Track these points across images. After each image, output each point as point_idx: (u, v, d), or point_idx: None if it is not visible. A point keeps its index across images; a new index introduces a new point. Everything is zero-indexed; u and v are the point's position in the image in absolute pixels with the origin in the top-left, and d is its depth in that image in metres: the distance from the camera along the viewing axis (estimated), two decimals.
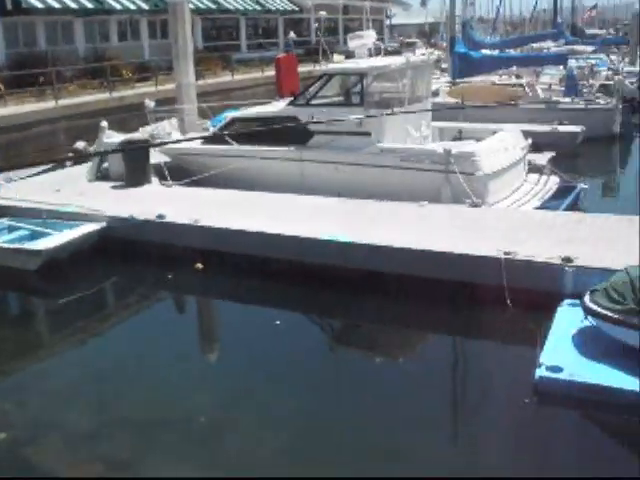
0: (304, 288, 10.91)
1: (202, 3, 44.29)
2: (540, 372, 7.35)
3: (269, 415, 7.62)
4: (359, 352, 9.69)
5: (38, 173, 18.20)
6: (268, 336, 9.75)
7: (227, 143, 15.42)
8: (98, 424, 7.72)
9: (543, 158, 15.49)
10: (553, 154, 15.87)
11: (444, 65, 30.93)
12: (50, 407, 8.20)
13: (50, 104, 27.74)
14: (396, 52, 27.20)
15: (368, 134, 13.81)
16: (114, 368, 9.09)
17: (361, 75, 14.07)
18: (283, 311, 10.85)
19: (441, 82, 26.94)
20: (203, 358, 9.70)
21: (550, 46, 34.22)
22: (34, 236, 13.14)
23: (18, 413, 8.14)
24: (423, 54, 16.95)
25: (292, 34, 47.33)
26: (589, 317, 7.82)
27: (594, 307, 7.66)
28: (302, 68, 28.83)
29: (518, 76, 26.68)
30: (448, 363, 8.88)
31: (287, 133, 14.74)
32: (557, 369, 7.33)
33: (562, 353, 7.65)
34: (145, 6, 39.62)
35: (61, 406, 8.19)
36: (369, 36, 15.60)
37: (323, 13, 37.75)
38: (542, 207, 13.06)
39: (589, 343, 7.80)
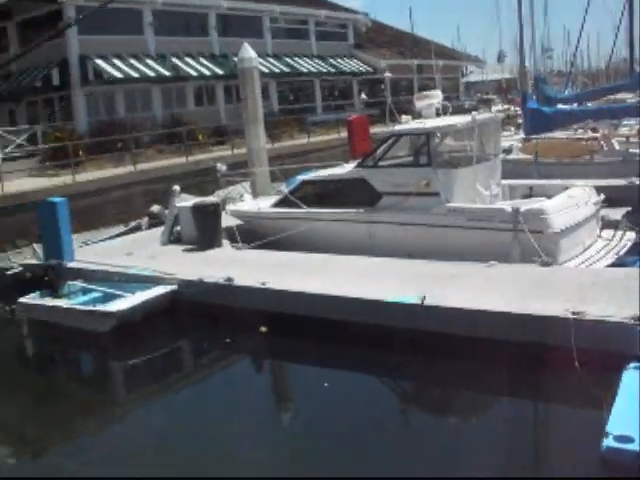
0: (371, 350, 10.82)
1: (276, 67, 45.18)
2: (608, 442, 6.91)
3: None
4: (426, 414, 9.60)
5: (113, 236, 18.69)
6: (335, 399, 9.71)
7: (298, 206, 15.54)
8: None
9: (618, 213, 15.13)
10: (629, 209, 15.49)
11: (520, 121, 30.68)
12: (112, 469, 8.26)
13: (128, 169, 28.44)
14: (473, 109, 27.13)
15: (437, 194, 13.73)
16: (179, 430, 9.16)
17: (427, 135, 14.06)
18: (349, 373, 10.83)
19: (515, 138, 26.73)
20: (269, 421, 9.61)
21: (627, 97, 33.54)
22: (107, 298, 13.44)
23: (81, 472, 8.21)
24: (499, 110, 16.85)
25: (363, 95, 47.70)
26: None
27: None
28: (376, 129, 28.94)
29: (594, 129, 26.23)
30: (513, 427, 8.59)
31: (356, 195, 14.78)
32: (627, 439, 6.89)
33: (631, 421, 7.26)
34: (220, 71, 40.54)
35: (123, 467, 8.25)
36: (435, 95, 15.60)
37: (388, 74, 38.03)
38: (616, 264, 12.71)
39: None
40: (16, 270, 16.51)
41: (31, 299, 14.26)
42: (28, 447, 9.44)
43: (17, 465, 8.86)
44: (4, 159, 27.44)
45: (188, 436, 8.88)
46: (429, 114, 15.32)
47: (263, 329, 11.89)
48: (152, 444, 8.83)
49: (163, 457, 8.38)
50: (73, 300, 13.90)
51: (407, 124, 15.49)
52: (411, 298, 10.77)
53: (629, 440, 6.88)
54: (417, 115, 16.30)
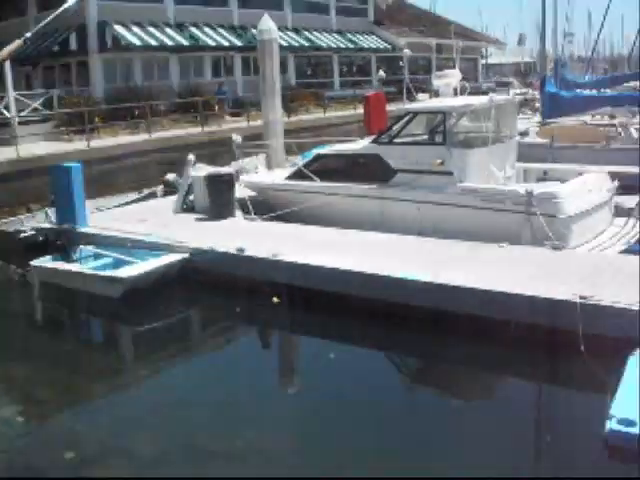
0: (379, 326, 10.88)
1: (295, 41, 44.89)
2: (611, 425, 6.97)
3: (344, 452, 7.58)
4: (432, 392, 9.65)
5: (127, 203, 18.79)
6: (342, 373, 9.84)
7: (312, 179, 15.57)
8: (162, 451, 7.84)
9: (632, 201, 15.07)
10: None
11: (538, 104, 30.52)
12: (119, 432, 8.38)
13: (143, 137, 28.43)
14: (491, 91, 27.00)
15: (450, 173, 13.72)
16: (186, 397, 9.23)
17: (444, 114, 14.01)
18: (356, 348, 10.93)
19: (532, 122, 26.62)
20: (277, 392, 9.72)
21: None
22: (118, 264, 13.52)
23: (88, 435, 8.30)
24: (517, 93, 16.77)
25: (381, 72, 47.48)
26: None
27: None
28: (393, 107, 28.87)
29: (612, 116, 26.02)
30: (518, 408, 8.66)
31: (370, 171, 14.79)
32: (629, 422, 6.94)
33: (634, 405, 7.30)
34: (238, 43, 40.35)
35: (130, 431, 8.38)
36: (454, 75, 15.57)
37: (407, 51, 37.79)
38: (628, 251, 12.71)
39: None
40: (28, 234, 16.57)
41: (43, 262, 14.36)
42: (36, 408, 9.49)
43: (25, 424, 8.97)
44: (19, 123, 27.48)
45: (191, 403, 8.97)
46: (447, 93, 15.31)
47: (275, 300, 11.95)
48: (156, 409, 8.92)
49: (171, 427, 8.43)
50: (85, 265, 14.02)
51: (424, 102, 15.47)
52: (421, 275, 10.81)
53: (632, 423, 6.92)
54: (434, 94, 16.28)
